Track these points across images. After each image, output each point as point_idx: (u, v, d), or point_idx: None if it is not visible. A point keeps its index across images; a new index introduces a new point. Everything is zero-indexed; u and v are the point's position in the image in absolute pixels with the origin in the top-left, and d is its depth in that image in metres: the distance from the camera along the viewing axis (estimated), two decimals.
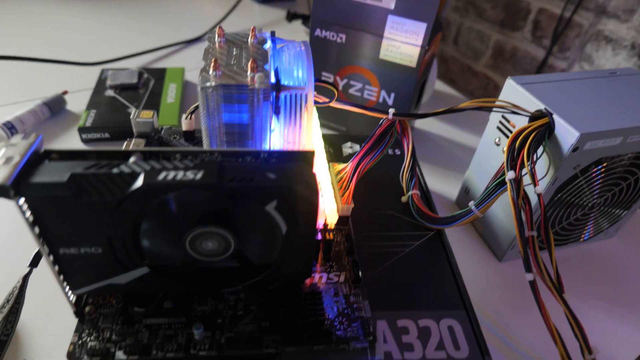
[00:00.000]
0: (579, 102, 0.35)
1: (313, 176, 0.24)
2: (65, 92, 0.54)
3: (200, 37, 0.70)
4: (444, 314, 0.30)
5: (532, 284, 0.30)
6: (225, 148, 0.29)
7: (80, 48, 0.65)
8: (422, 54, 0.43)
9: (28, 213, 0.22)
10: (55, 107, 0.51)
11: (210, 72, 0.27)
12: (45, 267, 0.30)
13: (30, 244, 0.30)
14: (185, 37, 0.69)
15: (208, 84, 0.26)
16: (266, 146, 0.30)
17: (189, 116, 0.38)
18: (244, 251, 0.26)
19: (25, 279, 0.31)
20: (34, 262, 0.30)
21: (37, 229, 0.23)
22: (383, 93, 0.47)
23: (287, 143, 0.30)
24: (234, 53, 0.29)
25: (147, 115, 0.38)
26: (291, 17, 0.64)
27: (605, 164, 0.35)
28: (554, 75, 0.38)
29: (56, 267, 0.25)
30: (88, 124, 0.48)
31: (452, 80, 0.82)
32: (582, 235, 0.42)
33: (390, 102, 0.48)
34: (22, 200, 0.21)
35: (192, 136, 0.38)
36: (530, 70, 0.72)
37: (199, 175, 0.22)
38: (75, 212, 0.22)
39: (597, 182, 0.36)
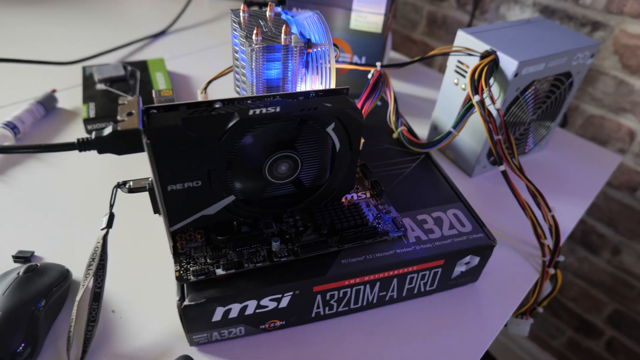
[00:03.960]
0: (511, 42, 0.46)
1: (354, 103, 0.32)
2: (54, 91, 0.55)
3: (164, 31, 0.73)
4: (448, 207, 0.40)
5: (504, 173, 0.41)
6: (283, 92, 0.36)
7: (53, 48, 0.66)
8: (385, 21, 0.52)
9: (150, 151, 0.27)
10: (48, 105, 0.53)
11: (254, 37, 0.33)
12: (116, 230, 0.34)
13: (100, 210, 0.34)
14: (149, 32, 0.72)
15: (254, 46, 0.33)
16: None
17: (204, 90, 0.43)
18: (302, 176, 0.33)
19: (105, 238, 0.35)
20: (109, 224, 0.35)
21: (155, 167, 0.28)
22: (355, 58, 0.56)
23: None
24: (262, 24, 0.36)
25: (167, 93, 0.43)
26: (249, 4, 0.70)
27: (535, 86, 0.48)
28: (489, 26, 0.50)
29: (163, 204, 0.30)
30: (92, 115, 0.50)
31: (396, 50, 0.94)
32: (526, 147, 0.55)
33: None
34: (147, 141, 0.27)
35: None
36: None
37: (278, 109, 0.29)
38: (185, 149, 0.28)
39: (531, 100, 0.49)
